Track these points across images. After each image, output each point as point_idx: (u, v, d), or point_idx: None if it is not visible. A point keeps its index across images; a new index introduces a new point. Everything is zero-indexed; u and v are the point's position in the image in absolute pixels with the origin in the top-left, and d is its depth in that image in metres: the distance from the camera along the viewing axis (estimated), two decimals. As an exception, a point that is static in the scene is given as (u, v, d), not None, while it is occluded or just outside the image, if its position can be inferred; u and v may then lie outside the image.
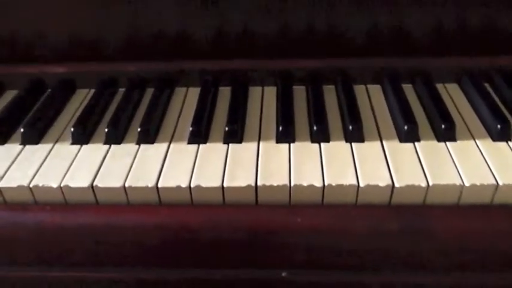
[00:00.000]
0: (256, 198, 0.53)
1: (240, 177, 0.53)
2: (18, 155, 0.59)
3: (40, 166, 0.57)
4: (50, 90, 0.73)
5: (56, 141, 0.62)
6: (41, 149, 0.60)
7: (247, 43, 0.69)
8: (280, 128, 0.59)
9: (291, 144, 0.58)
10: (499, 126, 0.58)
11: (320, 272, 0.56)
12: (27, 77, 0.73)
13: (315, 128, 0.59)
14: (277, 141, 0.59)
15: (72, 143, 0.61)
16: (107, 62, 0.72)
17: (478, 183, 0.51)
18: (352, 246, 0.53)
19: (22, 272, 0.58)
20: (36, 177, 0.55)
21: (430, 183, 0.51)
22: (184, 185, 0.53)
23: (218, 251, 0.55)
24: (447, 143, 0.58)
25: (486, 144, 0.57)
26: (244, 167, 0.55)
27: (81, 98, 0.71)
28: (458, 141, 0.58)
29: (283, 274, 0.56)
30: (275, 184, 0.52)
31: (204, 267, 0.57)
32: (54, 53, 0.72)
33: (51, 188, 0.54)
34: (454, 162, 0.54)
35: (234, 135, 0.59)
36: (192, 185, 0.53)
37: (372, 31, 0.68)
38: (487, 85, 0.68)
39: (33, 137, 0.62)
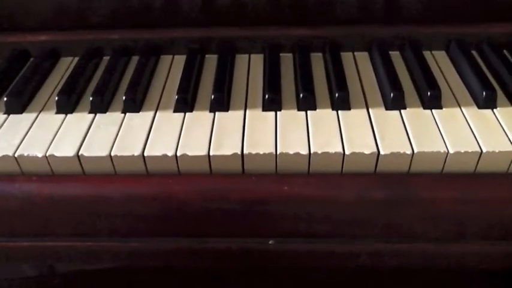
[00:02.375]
0: (242, 167, 0.53)
1: (226, 146, 0.53)
2: (2, 124, 0.59)
3: (25, 135, 0.57)
4: (33, 58, 0.72)
5: (41, 111, 0.61)
6: (26, 118, 0.60)
7: (234, 10, 0.68)
8: (267, 96, 0.59)
9: (278, 112, 0.58)
10: (484, 93, 0.58)
11: (307, 240, 0.57)
12: (9, 46, 0.71)
13: (301, 95, 0.59)
14: (264, 109, 0.59)
15: (57, 112, 0.60)
16: (92, 30, 0.70)
17: (462, 151, 0.52)
18: (339, 215, 0.54)
19: (12, 242, 0.59)
20: (21, 146, 0.55)
21: (415, 151, 0.52)
22: (170, 153, 0.53)
23: (205, 220, 0.55)
24: (433, 110, 0.58)
25: (472, 112, 0.58)
26: (231, 135, 0.55)
27: (65, 67, 0.70)
28: (444, 109, 0.58)
29: (270, 242, 0.56)
30: (261, 152, 0.52)
31: (192, 236, 0.57)
32: (37, 21, 0.70)
33: (36, 157, 0.54)
34: (439, 129, 0.55)
35: (221, 103, 0.59)
36: (178, 154, 0.52)
37: (359, -2, 0.67)
38: (474, 53, 0.68)
39: (17, 106, 0.61)
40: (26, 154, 0.54)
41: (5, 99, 0.61)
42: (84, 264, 0.62)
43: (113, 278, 0.75)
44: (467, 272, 0.59)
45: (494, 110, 0.58)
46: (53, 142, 0.55)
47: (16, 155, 0.54)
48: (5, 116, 0.60)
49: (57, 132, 0.57)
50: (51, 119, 0.59)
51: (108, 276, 0.76)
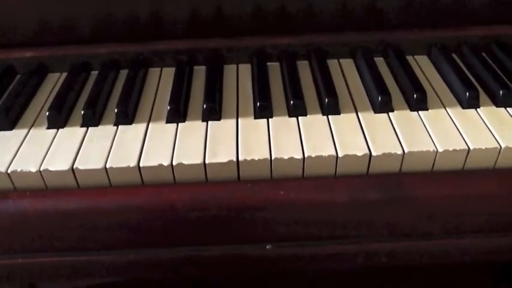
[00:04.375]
0: (238, 174, 0.54)
1: (221, 153, 0.54)
2: (-8, 141, 0.58)
3: (17, 151, 0.56)
4: (20, 75, 0.71)
5: (32, 126, 0.61)
6: (17, 134, 0.59)
7: (220, 22, 0.69)
8: (258, 104, 0.60)
9: (270, 119, 0.59)
10: (468, 94, 0.60)
11: (304, 244, 0.57)
12: (-5, 63, 0.71)
13: (291, 102, 0.60)
14: (256, 117, 0.60)
15: (48, 127, 0.60)
16: (78, 45, 0.70)
17: (450, 149, 0.53)
18: (335, 216, 0.55)
19: (7, 260, 0.58)
20: (13, 162, 0.54)
21: (406, 151, 0.53)
22: (166, 163, 0.53)
23: (202, 228, 0.55)
24: (419, 112, 0.60)
25: (456, 112, 0.59)
26: (225, 143, 0.55)
27: (53, 82, 0.70)
28: (430, 110, 0.60)
29: (268, 247, 0.57)
30: (256, 158, 0.53)
31: (190, 245, 0.57)
32: (22, 37, 0.70)
33: (30, 172, 0.53)
34: (427, 130, 0.56)
35: (213, 112, 0.59)
36: (174, 163, 0.53)
37: (343, 6, 0.69)
38: (455, 56, 0.70)
39: (7, 122, 0.60)
40: (19, 170, 0.53)
41: (-6, 116, 0.61)
42: (81, 278, 0.62)
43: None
44: (464, 266, 0.60)
45: (478, 109, 0.60)
46: (46, 157, 0.55)
47: (9, 171, 0.53)
48: (-5, 133, 0.60)
49: (49, 147, 0.57)
50: (42, 134, 0.59)
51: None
